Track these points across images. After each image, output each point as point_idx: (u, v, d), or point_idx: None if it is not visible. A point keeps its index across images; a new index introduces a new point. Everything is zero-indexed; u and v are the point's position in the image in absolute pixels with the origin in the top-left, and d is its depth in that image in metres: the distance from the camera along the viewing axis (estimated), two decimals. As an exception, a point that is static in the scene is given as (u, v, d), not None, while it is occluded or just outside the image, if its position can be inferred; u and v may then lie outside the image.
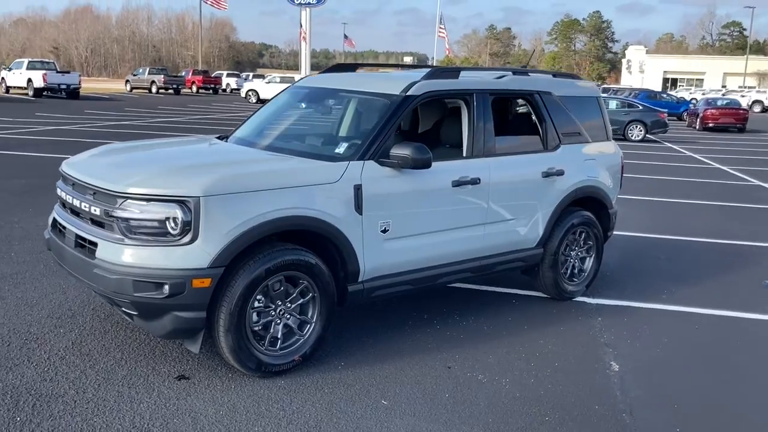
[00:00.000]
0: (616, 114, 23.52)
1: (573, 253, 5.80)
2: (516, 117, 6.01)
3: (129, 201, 3.78)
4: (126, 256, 3.76)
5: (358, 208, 4.26)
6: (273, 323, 4.08)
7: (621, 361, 4.65)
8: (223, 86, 53.42)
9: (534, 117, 5.60)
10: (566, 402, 4.00)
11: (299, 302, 4.16)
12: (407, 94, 4.72)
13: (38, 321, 4.78)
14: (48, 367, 4.09)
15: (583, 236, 5.83)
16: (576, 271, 5.86)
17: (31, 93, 34.73)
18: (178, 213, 3.69)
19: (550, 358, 4.61)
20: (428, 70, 5.03)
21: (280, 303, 4.08)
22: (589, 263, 5.94)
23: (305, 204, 4.03)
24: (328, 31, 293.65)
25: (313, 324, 4.22)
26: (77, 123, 21.10)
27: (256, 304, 3.99)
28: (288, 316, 4.14)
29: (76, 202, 4.12)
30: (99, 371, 4.07)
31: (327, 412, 3.72)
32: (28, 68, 35.89)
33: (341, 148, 4.54)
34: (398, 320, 5.15)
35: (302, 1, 70.68)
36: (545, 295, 5.82)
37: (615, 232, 8.13)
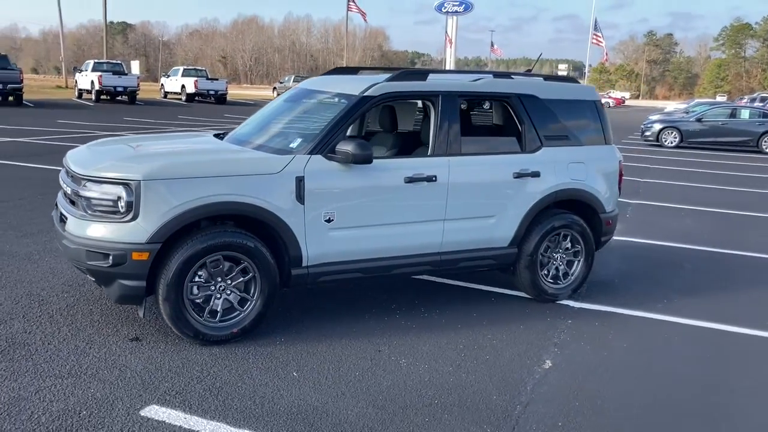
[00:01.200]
0: (748, 125, 21.98)
1: (556, 256, 5.83)
2: (494, 119, 6.12)
3: (90, 183, 4.43)
4: (84, 229, 4.41)
5: (300, 198, 4.65)
6: (213, 297, 4.57)
7: (558, 360, 4.70)
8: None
9: (514, 119, 5.70)
10: (468, 390, 4.16)
11: (240, 280, 4.62)
12: (364, 94, 5.05)
13: (53, 287, 5.59)
14: (34, 322, 4.84)
15: (568, 239, 5.84)
16: (560, 273, 5.88)
17: (183, 98, 37.77)
18: (124, 194, 4.28)
19: (484, 352, 4.75)
20: (397, 72, 5.33)
21: (220, 279, 4.56)
22: (576, 267, 5.93)
23: (242, 191, 4.49)
24: (482, 38, 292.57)
25: (254, 301, 4.66)
26: (212, 125, 22.93)
27: (196, 278, 4.49)
28: (229, 292, 4.61)
29: (64, 185, 4.84)
30: (72, 329, 4.76)
31: (238, 378, 4.15)
32: (182, 75, 39.08)
33: (296, 143, 4.96)
34: (363, 307, 5.47)
35: (449, 9, 71.30)
36: (528, 296, 5.88)
37: (655, 242, 7.96)
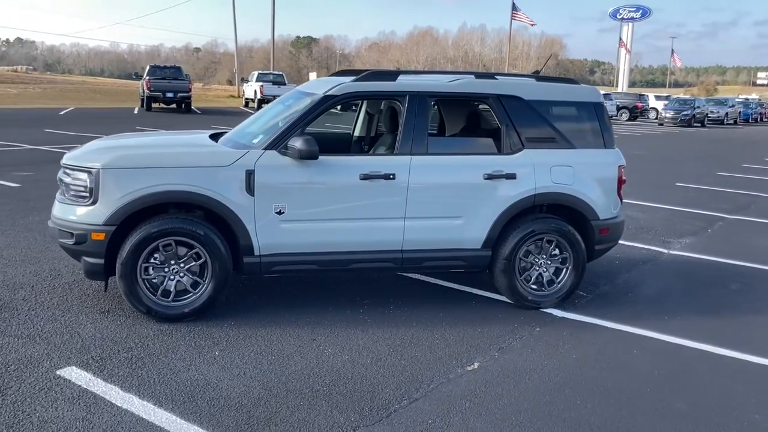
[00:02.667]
0: None
1: (540, 261, 5.65)
2: (473, 120, 6.02)
3: (68, 170, 5.03)
4: (60, 211, 5.03)
5: (250, 190, 4.96)
6: (167, 278, 4.99)
7: (489, 364, 4.60)
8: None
9: (493, 120, 5.62)
10: (365, 382, 4.22)
11: (192, 264, 5.00)
12: (326, 93, 5.26)
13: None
14: (37, 291, 5.56)
15: (553, 245, 5.63)
16: (544, 280, 5.68)
17: (256, 105, 35.46)
18: (87, 180, 4.82)
19: (417, 349, 4.76)
20: (365, 72, 5.48)
21: (173, 263, 4.97)
22: (564, 275, 5.70)
23: (191, 182, 4.87)
24: (670, 46, 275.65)
25: (206, 285, 5.03)
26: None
27: (152, 260, 4.94)
28: (182, 275, 5.01)
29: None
30: (62, 300, 5.40)
31: (163, 352, 4.52)
32: (256, 80, 37.34)
33: (258, 139, 5.26)
34: (334, 300, 5.66)
35: (624, 16, 68.31)
36: (510, 302, 5.75)
37: (723, 260, 7.43)
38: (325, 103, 5.24)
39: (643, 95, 51.42)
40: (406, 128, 5.33)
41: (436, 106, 6.19)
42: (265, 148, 5.08)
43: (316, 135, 6.83)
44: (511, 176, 5.43)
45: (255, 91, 35.53)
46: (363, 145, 6.84)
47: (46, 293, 5.53)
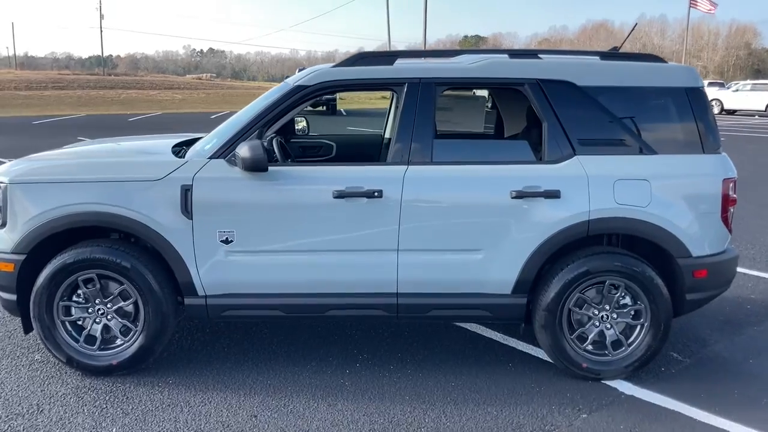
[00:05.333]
0: None
1: (601, 314, 3.99)
2: (499, 115, 4.41)
3: None
4: (-21, 234, 4.15)
5: (186, 211, 3.81)
6: (91, 321, 3.97)
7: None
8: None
9: (531, 115, 4.05)
10: None
11: (120, 305, 3.94)
12: (297, 84, 3.99)
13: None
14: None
15: (620, 292, 3.96)
16: (607, 341, 4.02)
17: None
18: (0, 198, 3.91)
19: (359, 425, 3.36)
20: (353, 55, 4.12)
21: (98, 302, 3.94)
22: (637, 335, 4.00)
23: (109, 200, 3.80)
24: None
25: (137, 331, 3.95)
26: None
27: (74, 297, 3.94)
28: (110, 317, 3.96)
29: None
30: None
31: (58, 421, 3.49)
32: None
33: (210, 144, 4.09)
34: (320, 350, 4.36)
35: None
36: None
37: None
38: (293, 96, 3.96)
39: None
40: (403, 127, 3.92)
41: (448, 98, 4.68)
42: (212, 157, 3.90)
43: (334, 138, 5.62)
44: (554, 194, 3.83)
45: None
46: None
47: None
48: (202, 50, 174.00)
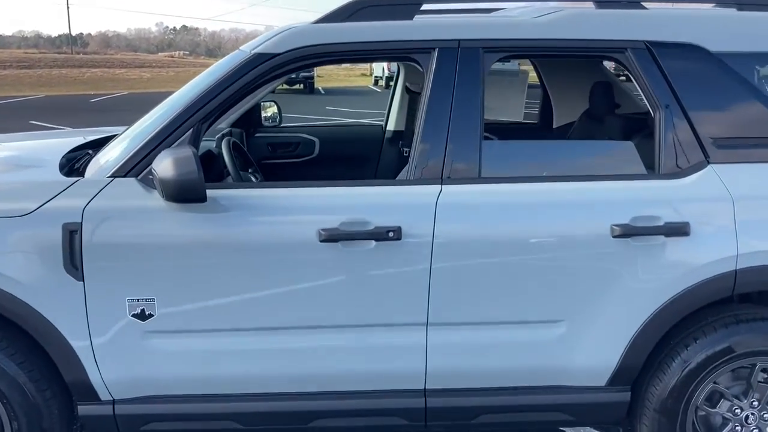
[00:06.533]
0: None
1: (744, 413, 2.52)
2: (585, 100, 2.92)
3: None
4: None
5: (74, 267, 2.26)
6: (-73, 443, 2.42)
7: None
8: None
9: (638, 101, 2.54)
10: None
11: (-25, 416, 2.40)
12: (257, 51, 2.43)
13: None
14: None
15: (779, 379, 2.49)
16: (758, 456, 2.55)
17: (384, 84, 31.14)
18: None
19: None
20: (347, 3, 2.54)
21: (-65, 414, 2.39)
22: (806, 445, 2.54)
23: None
24: None
25: (5, 457, 2.41)
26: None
27: None
28: (-41, 436, 2.42)
29: None
30: None
31: None
32: None
33: (115, 151, 2.52)
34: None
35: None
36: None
37: None
38: (253, 71, 2.39)
39: None
40: (428, 122, 2.39)
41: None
42: (115, 174, 2.34)
43: (316, 132, 4.08)
44: (680, 229, 2.33)
45: (383, 69, 32.49)
46: (402, 148, 3.94)
47: None
48: (175, 27, 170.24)
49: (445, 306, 2.36)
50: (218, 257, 2.30)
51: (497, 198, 2.36)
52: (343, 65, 48.19)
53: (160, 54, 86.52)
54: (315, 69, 26.96)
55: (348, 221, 2.28)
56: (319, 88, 30.50)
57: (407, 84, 3.93)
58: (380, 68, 33.23)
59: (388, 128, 4.09)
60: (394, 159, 3.93)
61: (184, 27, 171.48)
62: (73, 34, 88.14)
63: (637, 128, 2.96)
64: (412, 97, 3.92)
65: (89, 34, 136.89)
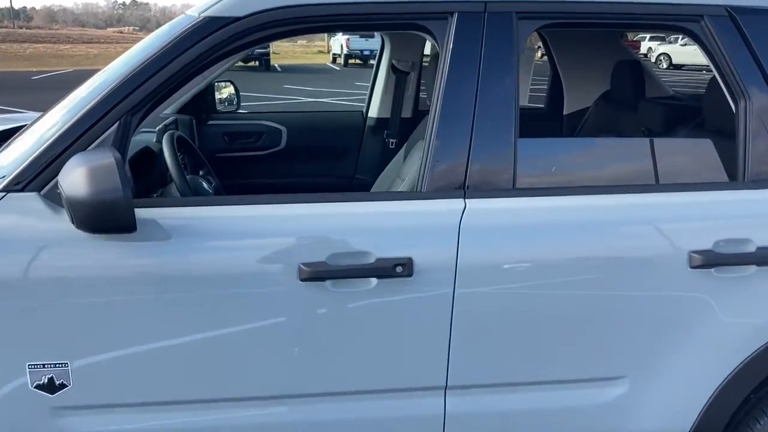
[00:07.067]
0: None
1: None
2: (644, 85, 2.35)
3: None
4: None
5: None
6: None
7: None
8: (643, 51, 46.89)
9: (716, 88, 1.95)
10: None
11: None
12: (208, 15, 1.75)
13: None
14: None
15: None
16: None
17: (343, 62, 31.28)
18: None
19: None
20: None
21: None
22: None
23: None
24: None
25: None
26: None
27: None
28: None
29: None
30: None
31: None
32: (344, 33, 33.69)
33: (11, 154, 1.83)
34: None
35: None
36: None
37: None
38: (203, 40, 1.71)
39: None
40: (444, 114, 1.75)
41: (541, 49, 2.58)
42: (7, 188, 1.64)
43: (282, 118, 3.41)
44: (778, 257, 1.75)
45: (341, 45, 31.53)
46: (387, 140, 3.30)
47: None
48: (124, 2, 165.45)
49: (469, 363, 1.75)
50: (155, 304, 1.64)
51: (539, 217, 1.75)
52: (299, 41, 47.08)
53: (108, 29, 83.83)
54: (271, 44, 26.03)
55: (340, 252, 1.65)
56: (276, 65, 29.49)
57: (394, 62, 3.29)
58: (338, 45, 32.31)
59: (369, 115, 3.44)
60: (378, 152, 3.31)
61: (134, 2, 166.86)
62: (16, 7, 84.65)
63: (687, 118, 2.39)
64: (399, 77, 3.28)
65: (33, 8, 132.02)
